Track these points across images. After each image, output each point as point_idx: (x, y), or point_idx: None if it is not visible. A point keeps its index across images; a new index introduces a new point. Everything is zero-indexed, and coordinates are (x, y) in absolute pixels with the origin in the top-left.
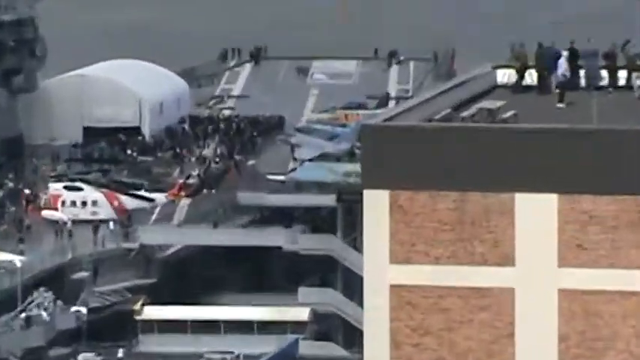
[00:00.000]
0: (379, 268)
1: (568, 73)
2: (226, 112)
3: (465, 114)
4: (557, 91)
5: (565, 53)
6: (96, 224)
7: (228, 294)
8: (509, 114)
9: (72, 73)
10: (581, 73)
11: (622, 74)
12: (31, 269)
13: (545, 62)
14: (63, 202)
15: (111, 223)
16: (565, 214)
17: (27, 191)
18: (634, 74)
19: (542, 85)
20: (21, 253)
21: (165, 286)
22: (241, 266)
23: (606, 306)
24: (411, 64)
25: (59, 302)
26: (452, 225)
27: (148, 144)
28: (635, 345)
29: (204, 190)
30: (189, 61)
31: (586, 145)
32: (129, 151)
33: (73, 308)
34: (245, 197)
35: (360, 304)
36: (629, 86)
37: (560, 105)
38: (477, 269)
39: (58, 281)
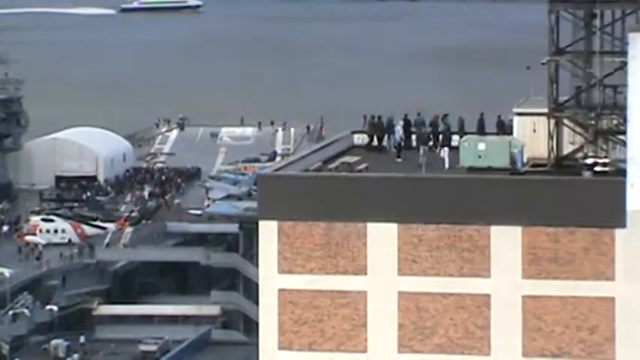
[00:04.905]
0: (270, 277)
1: (403, 137)
2: (159, 165)
3: (331, 166)
4: (395, 150)
5: (400, 122)
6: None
7: (160, 296)
8: (362, 166)
9: (47, 137)
10: (413, 137)
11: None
12: (17, 279)
13: (382, 130)
14: (40, 230)
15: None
16: (403, 238)
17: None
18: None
19: (381, 146)
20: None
21: (115, 290)
22: (170, 276)
23: (432, 304)
24: (292, 130)
25: (37, 302)
26: (322, 246)
27: (103, 188)
28: (454, 332)
29: (143, 221)
30: (132, 128)
31: (417, 188)
32: (88, 194)
33: (48, 307)
34: (173, 226)
35: (257, 303)
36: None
37: (398, 160)
38: (340, 277)
39: (36, 287)
